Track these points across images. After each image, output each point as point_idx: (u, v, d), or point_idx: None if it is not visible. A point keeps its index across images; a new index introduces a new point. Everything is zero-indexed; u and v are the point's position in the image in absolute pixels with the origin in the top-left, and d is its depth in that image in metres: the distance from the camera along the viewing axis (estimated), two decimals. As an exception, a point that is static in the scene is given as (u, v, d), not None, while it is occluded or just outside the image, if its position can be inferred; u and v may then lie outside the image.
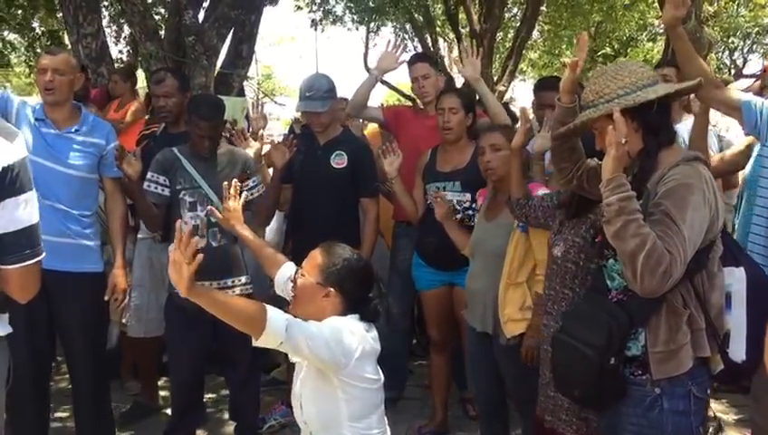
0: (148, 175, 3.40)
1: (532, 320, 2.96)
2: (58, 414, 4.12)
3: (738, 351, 2.09)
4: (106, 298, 3.33)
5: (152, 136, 4.06)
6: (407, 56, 4.30)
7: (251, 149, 3.85)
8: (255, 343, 2.02)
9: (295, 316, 2.11)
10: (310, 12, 14.35)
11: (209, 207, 3.09)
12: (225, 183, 2.76)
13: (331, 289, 2.22)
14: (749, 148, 3.33)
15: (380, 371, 2.27)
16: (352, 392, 2.16)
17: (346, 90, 4.38)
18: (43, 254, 1.77)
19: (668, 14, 2.71)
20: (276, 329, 1.97)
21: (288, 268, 2.49)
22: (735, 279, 2.12)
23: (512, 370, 3.07)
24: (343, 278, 2.24)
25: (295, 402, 2.30)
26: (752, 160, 3.15)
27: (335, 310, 2.21)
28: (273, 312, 1.99)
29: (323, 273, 2.23)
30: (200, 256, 1.92)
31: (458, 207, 3.64)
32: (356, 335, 2.15)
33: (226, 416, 3.93)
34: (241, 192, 3.50)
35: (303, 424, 2.28)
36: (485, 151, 3.21)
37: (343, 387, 2.14)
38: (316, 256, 2.28)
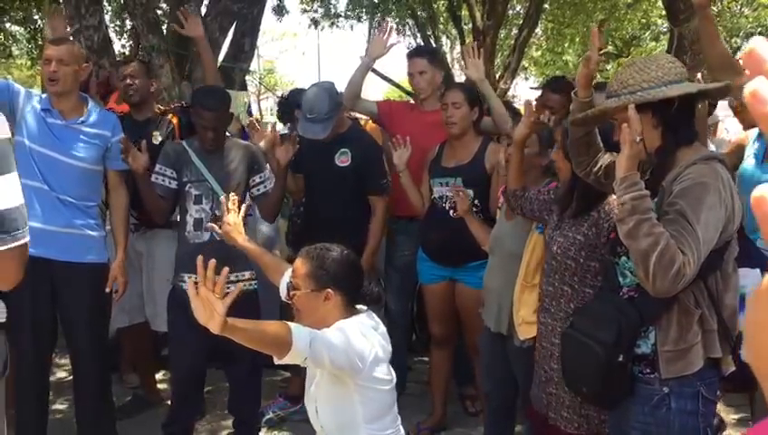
0: (157, 168, 3.40)
1: None
2: (57, 406, 4.13)
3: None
4: (107, 290, 3.33)
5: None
6: (394, 40, 4.25)
7: (265, 140, 3.85)
8: (279, 362, 1.99)
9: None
10: (309, 11, 14.30)
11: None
12: (223, 197, 2.71)
13: (329, 290, 2.19)
14: (739, 148, 3.33)
15: (392, 370, 2.26)
16: (368, 395, 2.15)
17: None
18: (25, 239, 1.63)
19: None
20: (302, 347, 1.95)
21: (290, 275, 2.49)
22: (750, 281, 2.11)
23: (525, 371, 3.03)
24: (335, 275, 2.21)
25: (310, 406, 2.29)
26: (751, 157, 3.15)
27: (339, 308, 2.20)
28: (296, 329, 1.96)
29: (314, 278, 2.20)
30: (239, 285, 1.84)
31: (460, 204, 3.63)
32: (368, 338, 2.13)
33: (225, 409, 3.92)
34: (247, 191, 3.50)
35: (320, 428, 2.27)
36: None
37: (359, 390, 2.13)
38: (299, 267, 2.25)
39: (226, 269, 1.88)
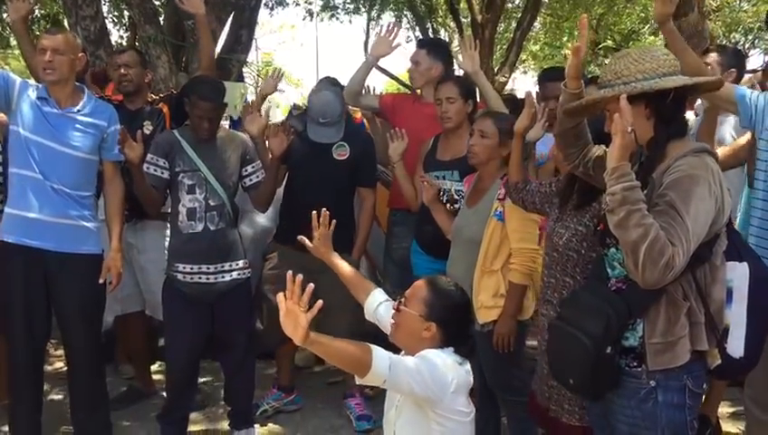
0: (148, 157, 3.40)
1: (505, 307, 2.99)
2: (53, 396, 4.13)
3: (736, 346, 2.06)
4: (101, 281, 3.33)
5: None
6: (401, 41, 4.25)
7: (256, 125, 3.84)
8: (359, 381, 2.04)
9: (394, 344, 2.18)
10: (304, 4, 14.27)
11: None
12: (314, 212, 2.62)
13: (433, 324, 2.22)
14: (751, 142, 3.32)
15: (471, 403, 2.27)
16: (446, 425, 2.16)
17: (347, 78, 4.33)
18: None
19: (658, 11, 2.77)
20: (381, 369, 1.99)
21: (378, 295, 2.50)
22: (737, 274, 2.08)
23: (487, 356, 3.09)
24: (446, 315, 2.24)
25: (388, 430, 2.31)
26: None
27: (433, 343, 2.22)
28: (377, 352, 2.00)
29: (427, 307, 2.24)
30: (319, 302, 1.89)
31: (456, 197, 3.62)
32: (451, 369, 2.15)
33: (220, 401, 3.93)
34: (243, 178, 3.51)
35: None
36: (474, 134, 3.24)
37: (438, 420, 2.15)
38: (421, 289, 2.28)
39: (311, 286, 1.90)
